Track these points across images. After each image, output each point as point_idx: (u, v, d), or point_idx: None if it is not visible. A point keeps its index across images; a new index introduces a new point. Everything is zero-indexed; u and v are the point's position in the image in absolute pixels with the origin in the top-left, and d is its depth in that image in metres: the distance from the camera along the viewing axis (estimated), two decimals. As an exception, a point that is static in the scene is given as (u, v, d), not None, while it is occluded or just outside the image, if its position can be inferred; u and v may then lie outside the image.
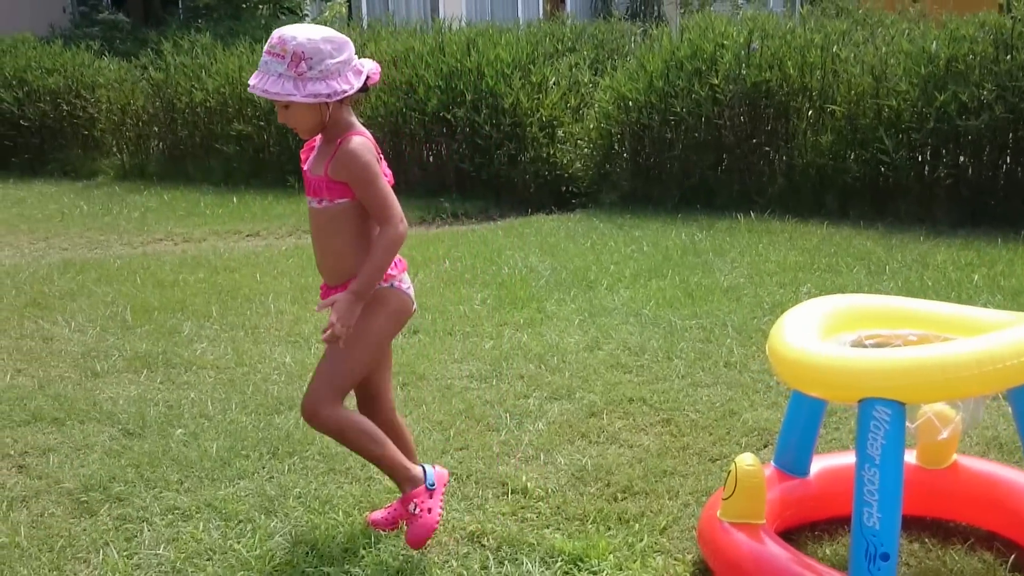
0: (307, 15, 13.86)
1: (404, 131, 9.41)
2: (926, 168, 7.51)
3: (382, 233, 2.77)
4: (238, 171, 10.29)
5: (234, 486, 3.41)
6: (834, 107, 7.81)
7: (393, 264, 2.87)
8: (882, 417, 2.33)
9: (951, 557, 2.85)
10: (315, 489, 3.37)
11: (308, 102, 2.69)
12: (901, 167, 7.44)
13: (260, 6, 13.22)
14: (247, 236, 8.00)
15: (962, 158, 7.39)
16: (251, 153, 10.35)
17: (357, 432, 2.88)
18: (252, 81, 2.72)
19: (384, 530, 3.06)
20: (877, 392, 2.34)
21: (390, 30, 11.06)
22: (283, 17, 13.17)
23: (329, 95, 2.70)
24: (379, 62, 10.07)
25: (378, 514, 3.13)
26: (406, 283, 2.95)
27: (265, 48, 2.72)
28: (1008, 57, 7.12)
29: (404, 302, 2.94)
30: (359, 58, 2.84)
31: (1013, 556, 2.81)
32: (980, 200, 7.28)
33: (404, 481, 2.94)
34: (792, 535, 2.97)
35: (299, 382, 4.40)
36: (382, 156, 2.90)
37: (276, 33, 2.72)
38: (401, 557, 2.92)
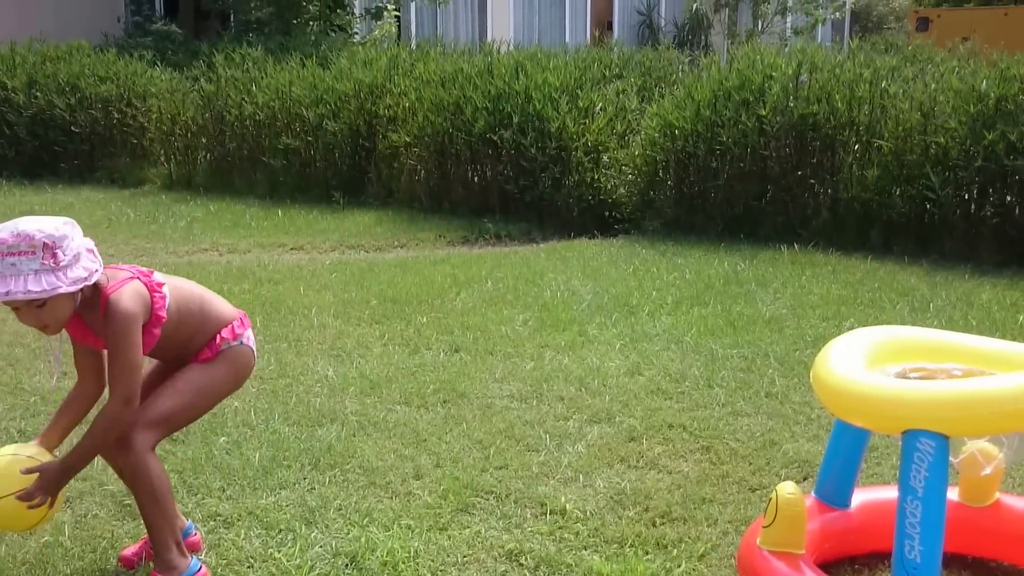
0: (357, 33, 14.04)
1: (450, 151, 9.48)
2: (972, 206, 7.46)
3: (107, 408, 2.70)
4: (284, 185, 10.41)
5: (275, 495, 3.46)
6: (881, 142, 7.78)
7: (239, 322, 2.98)
8: (926, 449, 2.34)
9: (993, 596, 2.84)
10: (355, 502, 3.40)
11: (73, 290, 2.59)
12: (947, 204, 7.40)
13: (311, 23, 13.41)
14: (291, 249, 8.10)
15: (1009, 197, 7.33)
16: (297, 167, 10.47)
17: (159, 481, 2.78)
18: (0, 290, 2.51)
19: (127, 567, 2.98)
20: (921, 424, 2.34)
21: (439, 51, 11.17)
22: (333, 34, 13.34)
23: (87, 277, 2.62)
24: (428, 82, 10.14)
25: (129, 551, 3.03)
26: (251, 338, 3.01)
27: (2, 252, 2.51)
28: (1059, 97, 7.08)
29: (249, 359, 3.00)
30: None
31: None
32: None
33: (166, 562, 2.80)
34: (831, 567, 2.96)
35: (341, 395, 4.46)
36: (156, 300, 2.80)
37: (7, 232, 2.53)
38: (440, 572, 2.95)
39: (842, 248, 7.65)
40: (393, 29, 14.13)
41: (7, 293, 2.51)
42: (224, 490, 3.50)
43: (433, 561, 3.01)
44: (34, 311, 2.60)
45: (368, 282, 6.64)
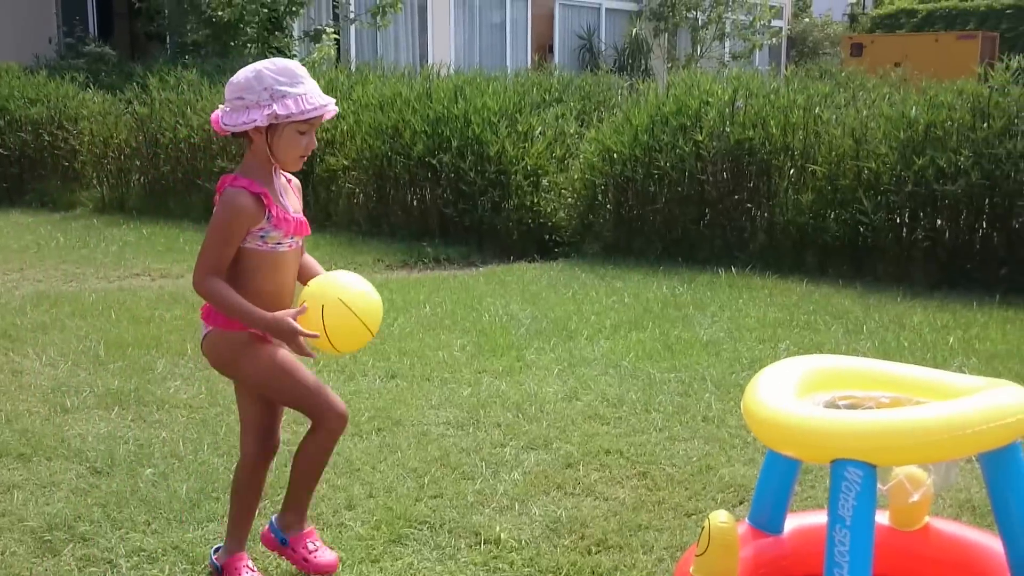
0: (296, 55, 13.93)
1: (389, 175, 9.43)
2: (904, 230, 7.59)
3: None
4: (222, 210, 10.26)
5: (203, 529, 3.38)
6: (815, 167, 7.90)
7: None
8: (853, 479, 2.34)
9: (922, 621, 2.84)
10: (285, 534, 3.32)
11: None
12: (879, 228, 7.52)
13: (249, 45, 13.28)
14: (227, 274, 7.96)
15: (939, 221, 7.47)
16: (234, 191, 10.33)
17: None
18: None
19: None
20: (849, 453, 2.35)
21: (378, 74, 11.14)
22: (271, 57, 13.22)
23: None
24: (366, 105, 10.09)
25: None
26: None
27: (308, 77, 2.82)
28: (985, 125, 7.24)
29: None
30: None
31: (984, 622, 2.80)
32: (956, 263, 7.35)
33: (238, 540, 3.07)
34: (764, 594, 2.96)
35: (273, 424, 4.37)
36: None
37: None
38: (370, 606, 2.89)
39: (778, 271, 7.73)
40: (332, 52, 14.05)
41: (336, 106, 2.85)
42: (149, 524, 3.41)
43: (364, 594, 2.95)
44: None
45: (304, 307, 6.55)
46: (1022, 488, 2.66)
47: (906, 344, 5.73)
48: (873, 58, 20.75)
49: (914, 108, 7.63)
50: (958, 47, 21.87)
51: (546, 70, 12.07)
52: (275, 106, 2.71)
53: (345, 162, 9.66)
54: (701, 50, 22.33)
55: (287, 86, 2.73)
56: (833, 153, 7.85)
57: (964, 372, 4.90)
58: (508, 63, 19.23)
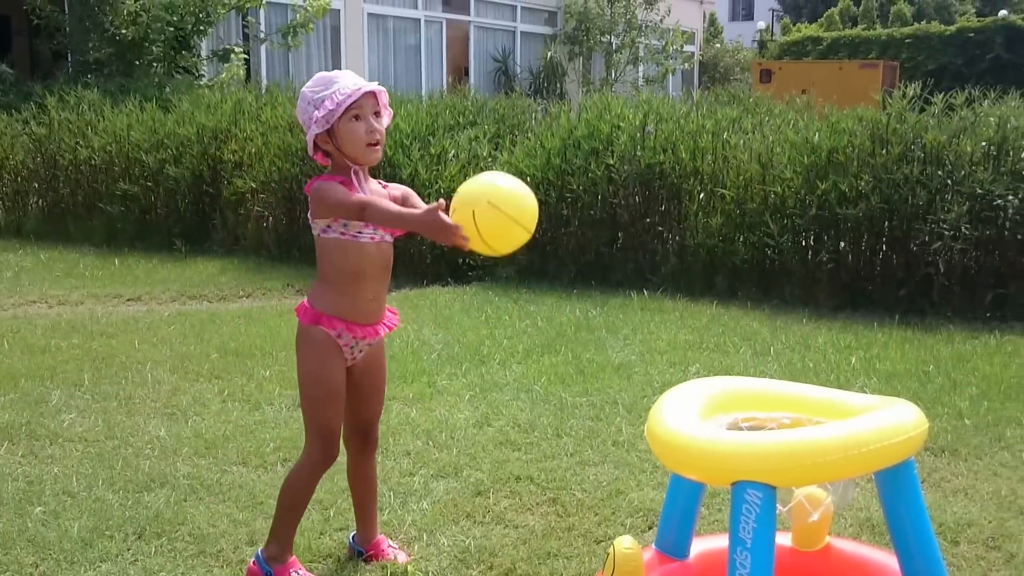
0: (203, 75, 13.71)
1: (299, 197, 9.30)
2: (809, 253, 7.74)
3: None
4: (122, 232, 10.04)
5: (95, 569, 3.25)
6: (723, 191, 8.02)
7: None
8: (753, 500, 2.36)
9: (825, 642, 2.87)
10: (183, 573, 3.23)
11: None
12: (786, 251, 7.66)
13: (155, 64, 13.03)
14: (128, 300, 7.77)
15: (842, 244, 7.64)
16: (137, 214, 10.12)
17: None
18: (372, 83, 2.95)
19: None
20: (748, 475, 2.37)
21: (288, 95, 11.01)
22: (178, 76, 12.99)
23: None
24: (275, 127, 9.96)
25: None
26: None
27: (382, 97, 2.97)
28: (883, 151, 7.44)
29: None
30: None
31: (884, 641, 2.84)
32: (858, 285, 7.52)
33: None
34: (671, 620, 2.95)
35: (173, 457, 4.25)
36: None
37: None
38: (270, 643, 2.81)
39: (690, 294, 7.82)
40: (241, 72, 13.85)
41: (375, 84, 2.95)
42: (37, 566, 3.27)
43: (264, 633, 2.86)
44: (380, 120, 2.97)
45: (209, 334, 6.42)
46: (916, 504, 2.72)
47: (811, 365, 5.83)
48: (781, 84, 21.23)
49: (817, 134, 7.81)
50: (861, 75, 22.52)
51: (460, 92, 12.04)
52: (317, 112, 2.85)
53: (253, 184, 9.52)
54: (615, 74, 22.64)
55: (322, 91, 2.88)
56: (741, 177, 7.99)
57: (865, 391, 5.00)
58: (423, 85, 19.22)
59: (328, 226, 2.96)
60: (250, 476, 4.08)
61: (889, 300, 7.33)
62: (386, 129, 2.99)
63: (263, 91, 11.59)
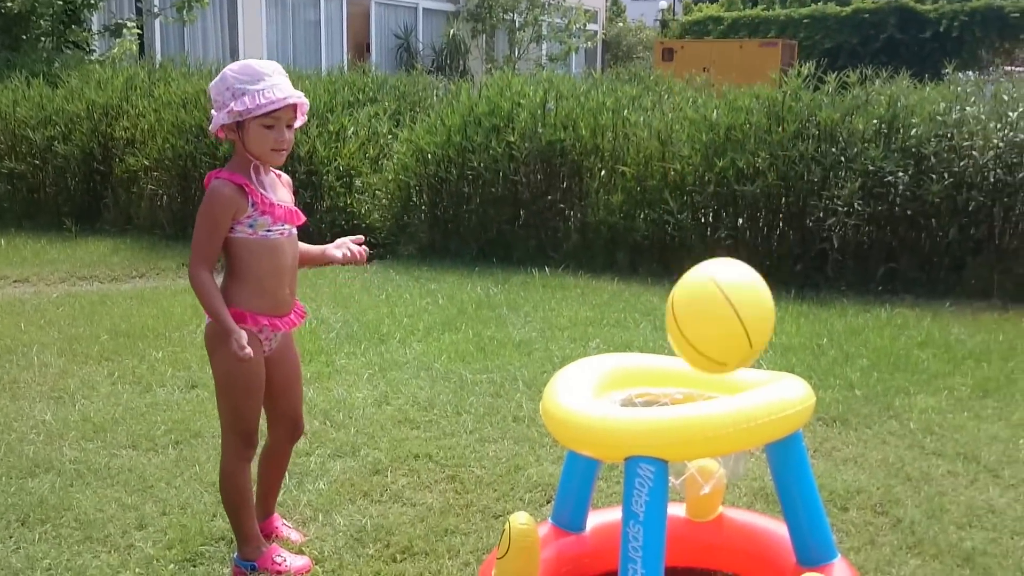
0: (95, 50, 13.25)
1: (194, 175, 9.07)
2: (708, 229, 7.85)
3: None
4: (9, 212, 9.66)
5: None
6: (624, 168, 8.08)
7: None
8: (645, 474, 2.37)
9: (717, 609, 2.92)
10: (67, 559, 3.13)
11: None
12: (685, 228, 7.76)
13: (43, 39, 12.54)
14: (14, 282, 7.48)
15: (740, 221, 7.76)
16: (24, 193, 9.77)
17: None
18: (299, 93, 2.90)
19: None
20: (640, 450, 2.38)
21: (183, 71, 10.72)
22: (68, 51, 12.52)
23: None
24: (168, 103, 9.68)
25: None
26: None
27: (278, 72, 2.90)
28: (779, 128, 7.57)
29: None
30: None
31: (774, 607, 2.90)
32: (755, 261, 7.55)
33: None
34: (568, 593, 2.97)
35: (59, 441, 4.11)
36: None
37: (267, 62, 2.93)
38: (159, 630, 2.74)
39: (591, 270, 7.87)
40: (134, 47, 13.43)
41: (300, 96, 2.89)
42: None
43: (152, 619, 2.79)
44: (290, 132, 2.95)
45: (99, 316, 6.23)
46: (804, 474, 2.77)
47: (709, 339, 5.90)
48: (683, 63, 21.47)
49: (716, 112, 7.91)
50: (761, 54, 22.91)
51: (360, 69, 11.88)
52: (233, 104, 2.80)
53: (146, 162, 9.25)
54: (518, 52, 22.61)
55: (247, 83, 2.81)
56: (641, 154, 8.05)
57: (761, 365, 5.10)
58: (323, 62, 18.92)
59: (232, 227, 2.92)
60: (140, 459, 3.98)
61: (786, 275, 7.47)
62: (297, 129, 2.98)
63: (156, 67, 11.25)
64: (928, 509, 3.63)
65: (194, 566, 3.12)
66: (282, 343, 3.12)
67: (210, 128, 2.95)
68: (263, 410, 3.11)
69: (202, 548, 3.23)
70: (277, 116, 2.86)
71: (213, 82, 2.89)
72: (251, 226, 2.92)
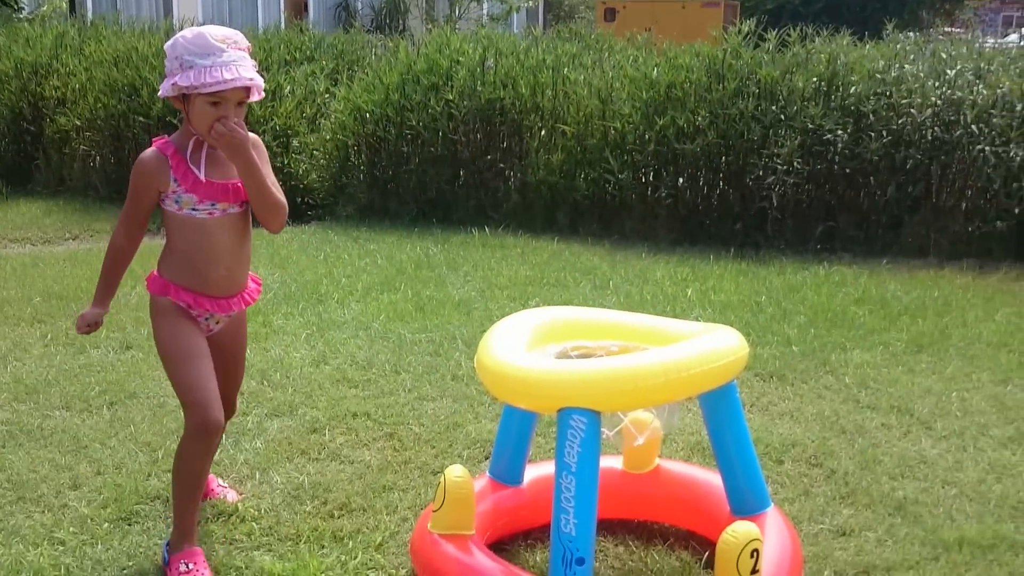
0: (24, 8, 12.88)
1: (127, 135, 8.89)
2: (649, 189, 7.88)
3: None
4: None
5: None
6: (564, 127, 8.06)
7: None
8: (578, 426, 2.38)
9: (652, 558, 2.96)
10: (0, 520, 3.07)
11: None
12: (626, 187, 7.77)
13: (-33, -7, 12.18)
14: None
15: (680, 180, 7.79)
16: None
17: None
18: (251, 74, 2.69)
19: None
20: (573, 402, 2.39)
21: (115, 29, 10.46)
22: (-3, 8, 12.18)
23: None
24: (100, 62, 9.45)
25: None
26: None
27: (235, 45, 2.71)
28: (720, 86, 7.59)
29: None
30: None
31: (707, 553, 2.94)
32: (696, 219, 7.71)
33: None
34: (507, 544, 2.99)
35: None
36: None
37: (235, 33, 2.75)
38: (91, 590, 2.71)
39: (531, 230, 7.86)
40: (64, 4, 13.08)
41: (252, 79, 2.69)
42: None
43: (84, 580, 2.76)
44: (240, 110, 2.74)
45: (31, 278, 6.10)
46: (738, 425, 2.81)
47: (649, 297, 5.95)
48: (625, 23, 21.41)
49: (656, 69, 7.91)
50: (703, 14, 22.89)
51: (297, 28, 11.68)
52: (179, 77, 2.65)
53: (78, 122, 9.04)
54: (459, 11, 22.37)
55: (196, 57, 2.65)
56: (581, 113, 8.03)
57: (699, 321, 5.15)
58: (259, 21, 18.57)
59: (162, 199, 2.81)
60: (74, 420, 3.91)
61: (725, 234, 7.54)
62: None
63: (87, 25, 10.97)
64: (861, 461, 3.70)
65: (129, 524, 3.09)
66: (229, 326, 2.98)
67: (159, 94, 2.83)
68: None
69: (137, 507, 3.19)
70: (224, 96, 2.67)
71: (168, 43, 2.75)
72: (176, 202, 2.78)
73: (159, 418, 3.96)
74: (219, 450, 3.62)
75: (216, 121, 2.65)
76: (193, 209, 2.78)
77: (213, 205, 2.79)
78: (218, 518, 3.13)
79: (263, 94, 2.79)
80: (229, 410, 3.08)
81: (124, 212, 2.84)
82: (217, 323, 2.95)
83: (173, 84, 2.66)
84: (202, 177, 2.76)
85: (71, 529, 3.04)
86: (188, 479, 2.81)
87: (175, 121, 8.56)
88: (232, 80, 2.63)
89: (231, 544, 2.98)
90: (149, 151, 2.78)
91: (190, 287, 2.85)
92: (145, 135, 8.78)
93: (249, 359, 4.59)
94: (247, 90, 2.72)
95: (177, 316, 2.85)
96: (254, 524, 3.10)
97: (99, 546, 2.94)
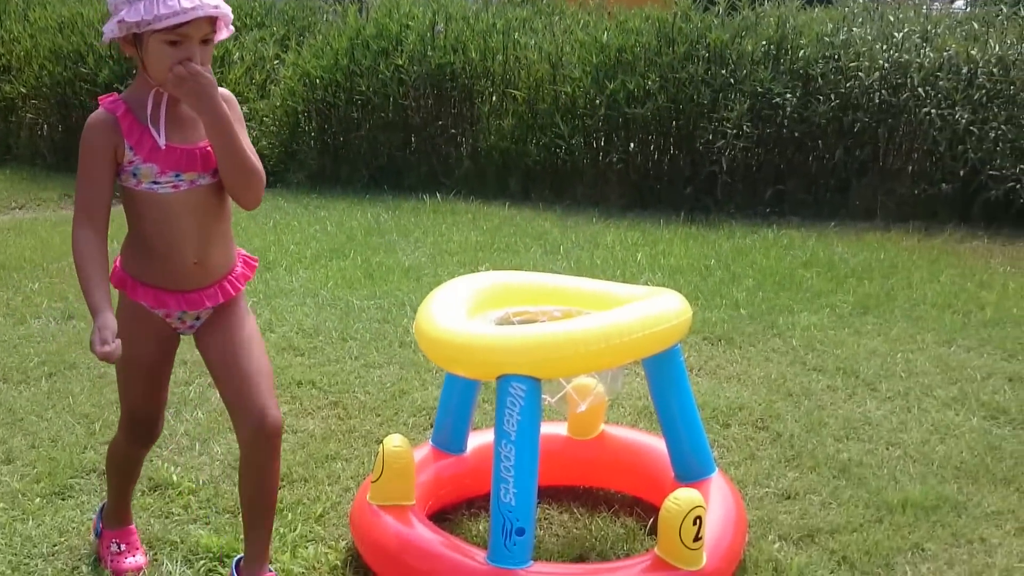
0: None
1: (74, 103, 8.71)
2: (600, 154, 7.84)
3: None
4: None
5: None
6: (515, 92, 7.98)
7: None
8: (517, 393, 2.34)
9: (597, 524, 2.94)
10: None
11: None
12: (577, 152, 7.73)
13: None
14: None
15: (632, 145, 7.77)
16: None
17: None
18: (216, 1, 2.16)
19: None
20: (512, 369, 2.35)
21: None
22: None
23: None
24: (44, 28, 9.22)
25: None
26: None
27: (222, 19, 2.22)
28: (670, 50, 7.55)
29: None
30: None
31: (652, 520, 2.93)
32: (647, 184, 7.70)
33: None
34: (450, 514, 2.96)
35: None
36: None
37: None
38: (24, 566, 2.64)
39: (483, 196, 7.81)
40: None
41: (217, 7, 2.17)
42: None
43: (16, 554, 2.69)
44: (206, 50, 2.22)
45: (-28, 248, 5.96)
46: (682, 390, 2.78)
47: (599, 262, 5.94)
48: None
49: (606, 33, 7.85)
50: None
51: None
52: (125, 12, 2.13)
53: (23, 90, 8.84)
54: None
55: None
56: (532, 78, 7.97)
57: (651, 286, 5.14)
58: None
59: (119, 173, 2.27)
60: (11, 393, 3.82)
61: (676, 198, 7.54)
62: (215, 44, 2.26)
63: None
64: (807, 423, 3.71)
65: (62, 499, 3.01)
66: (217, 320, 2.42)
67: (102, 39, 2.26)
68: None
69: (71, 481, 3.12)
70: (184, 32, 2.15)
71: None
72: (134, 175, 2.25)
73: (99, 388, 3.88)
74: (159, 421, 3.56)
75: (176, 64, 2.15)
76: (154, 182, 2.24)
77: (178, 176, 2.26)
78: (155, 490, 3.07)
79: (232, 29, 2.29)
80: (264, 425, 2.34)
81: (78, 196, 2.25)
82: (196, 318, 2.41)
83: (119, 22, 2.14)
84: (162, 142, 2.23)
85: (0, 505, 2.96)
86: (113, 468, 2.64)
87: (121, 88, 8.38)
88: (192, 9, 2.11)
89: (167, 518, 2.92)
90: (96, 113, 2.23)
91: (152, 282, 2.34)
92: (92, 103, 8.60)
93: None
94: (213, 23, 2.20)
95: (133, 319, 2.34)
96: (192, 497, 3.04)
97: (30, 522, 2.87)
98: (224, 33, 2.26)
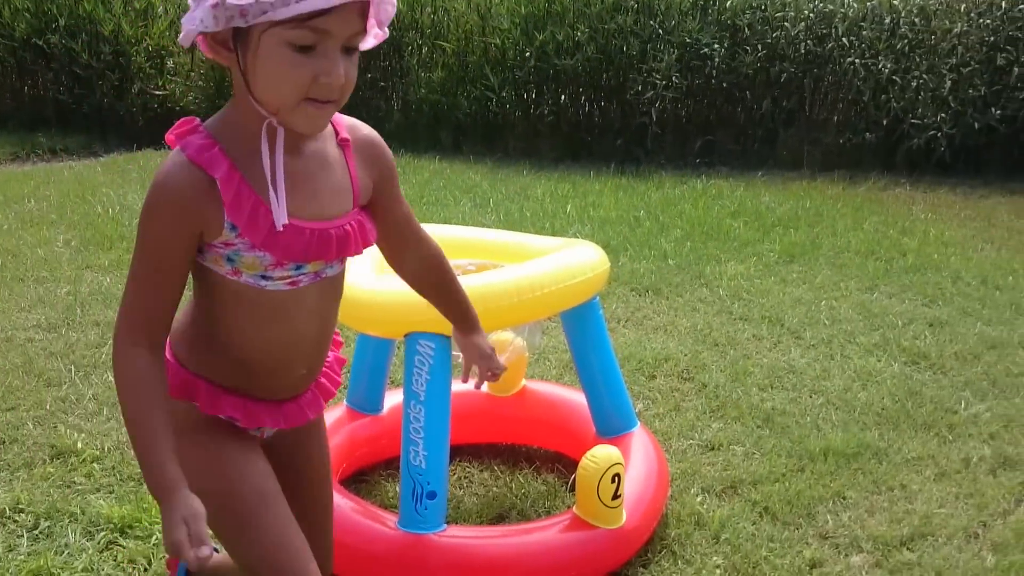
0: None
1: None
2: (531, 106, 7.75)
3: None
4: None
5: None
6: (445, 44, 7.84)
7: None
8: (425, 352, 2.27)
9: (518, 482, 2.89)
10: None
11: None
12: (508, 104, 7.63)
13: None
14: None
15: (563, 97, 7.69)
16: None
17: None
18: None
19: None
20: (420, 326, 2.26)
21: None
22: None
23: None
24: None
25: None
26: None
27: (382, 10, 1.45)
28: (599, 1, 7.46)
29: None
30: None
31: (573, 476, 2.89)
32: (578, 136, 7.64)
33: None
34: (366, 475, 2.90)
35: None
36: None
37: None
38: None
39: (414, 150, 7.68)
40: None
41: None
42: None
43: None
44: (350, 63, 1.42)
45: None
46: (601, 344, 2.73)
47: (528, 214, 5.87)
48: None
49: (536, -17, 7.73)
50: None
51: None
52: None
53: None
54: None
55: None
56: (461, 30, 7.83)
57: (579, 238, 5.10)
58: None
59: (200, 250, 1.48)
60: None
61: (607, 150, 7.49)
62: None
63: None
64: (732, 373, 3.70)
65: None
66: (295, 434, 1.73)
67: (180, 38, 1.41)
68: None
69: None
70: (323, 26, 1.35)
71: None
72: (230, 260, 1.48)
73: (4, 353, 3.72)
74: (66, 384, 3.45)
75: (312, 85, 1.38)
76: (263, 276, 1.49)
77: (299, 269, 1.52)
78: (57, 458, 2.95)
79: (387, 33, 1.51)
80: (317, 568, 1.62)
81: (133, 299, 1.45)
82: (272, 430, 1.71)
83: (215, 5, 1.33)
84: (283, 219, 1.44)
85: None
86: None
87: (40, 43, 8.08)
88: None
89: (68, 487, 2.80)
90: (176, 166, 1.42)
91: (238, 387, 1.61)
92: (11, 58, 8.32)
93: (108, 287, 4.43)
94: (364, 15, 1.41)
95: (217, 432, 1.61)
96: (95, 465, 2.92)
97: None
98: (371, 40, 1.48)
